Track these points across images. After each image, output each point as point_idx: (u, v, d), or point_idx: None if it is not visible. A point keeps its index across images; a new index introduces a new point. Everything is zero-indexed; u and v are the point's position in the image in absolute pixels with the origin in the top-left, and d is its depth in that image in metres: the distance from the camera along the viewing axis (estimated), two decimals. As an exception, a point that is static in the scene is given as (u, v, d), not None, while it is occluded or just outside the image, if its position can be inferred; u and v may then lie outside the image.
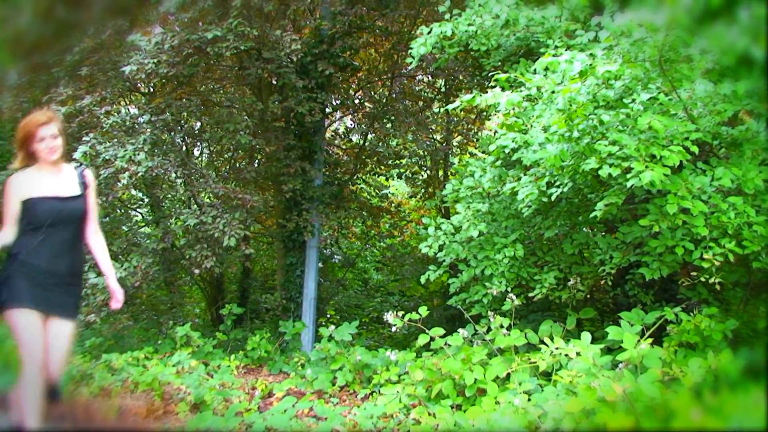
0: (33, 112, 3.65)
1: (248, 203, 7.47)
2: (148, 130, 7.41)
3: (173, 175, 8.31)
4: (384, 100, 10.43)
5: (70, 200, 3.55)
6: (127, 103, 9.94)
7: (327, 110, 9.97)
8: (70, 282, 3.52)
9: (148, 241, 8.07)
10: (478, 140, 11.21)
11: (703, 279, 4.24)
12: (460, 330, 5.12)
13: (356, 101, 10.81)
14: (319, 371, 5.84)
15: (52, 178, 3.53)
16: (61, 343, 3.41)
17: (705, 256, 4.08)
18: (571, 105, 4.16)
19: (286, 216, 8.94)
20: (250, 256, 8.92)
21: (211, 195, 8.53)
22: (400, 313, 5.27)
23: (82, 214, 3.59)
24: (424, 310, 5.26)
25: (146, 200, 11.09)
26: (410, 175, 12.20)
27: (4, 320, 3.40)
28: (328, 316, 11.93)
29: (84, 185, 3.63)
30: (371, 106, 10.66)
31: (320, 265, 10.20)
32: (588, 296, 5.78)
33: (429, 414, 4.43)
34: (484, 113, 10.19)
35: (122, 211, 9.59)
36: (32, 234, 3.42)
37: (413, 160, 11.86)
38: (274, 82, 8.87)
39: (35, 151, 3.48)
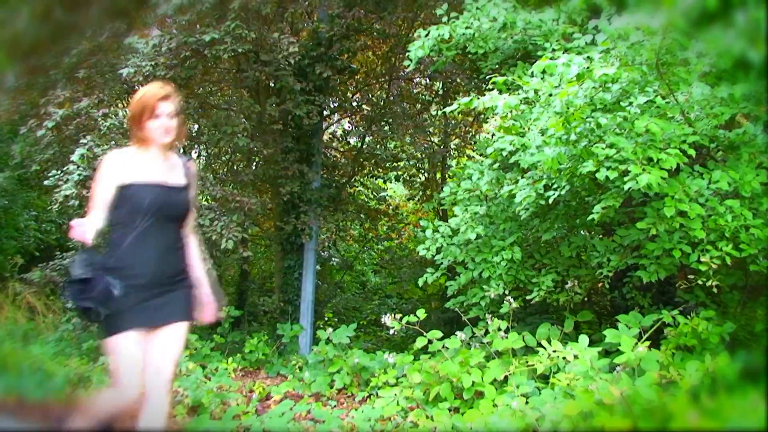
0: (152, 83, 3.12)
1: (246, 206, 7.47)
2: (146, 132, 7.40)
3: (171, 177, 8.29)
4: (382, 103, 10.44)
5: (176, 191, 3.04)
6: (125, 105, 9.92)
7: (325, 113, 9.99)
8: (178, 282, 3.04)
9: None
10: (475, 143, 11.22)
11: (700, 282, 4.25)
12: (458, 333, 5.11)
13: (354, 104, 10.82)
14: (316, 374, 5.83)
15: (157, 163, 3.01)
16: (172, 351, 2.97)
17: (702, 259, 4.08)
18: (568, 108, 4.16)
19: (284, 218, 8.94)
20: (248, 259, 8.94)
21: (208, 197, 8.53)
22: (398, 316, 5.27)
23: (187, 209, 3.10)
24: (421, 313, 5.26)
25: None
26: (408, 178, 12.20)
27: (104, 342, 2.94)
28: (326, 318, 11.93)
29: (188, 177, 3.13)
30: (369, 109, 10.68)
31: (318, 267, 10.20)
32: (585, 299, 5.79)
33: (427, 417, 4.43)
34: (482, 116, 10.21)
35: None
36: (129, 229, 2.89)
37: (411, 163, 11.87)
38: (272, 84, 8.88)
39: (146, 128, 2.97)
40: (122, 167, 2.93)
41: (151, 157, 3.00)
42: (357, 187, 12.03)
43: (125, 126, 7.64)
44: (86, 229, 2.73)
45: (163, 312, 2.94)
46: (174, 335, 2.99)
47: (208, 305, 3.21)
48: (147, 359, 2.92)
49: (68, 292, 2.84)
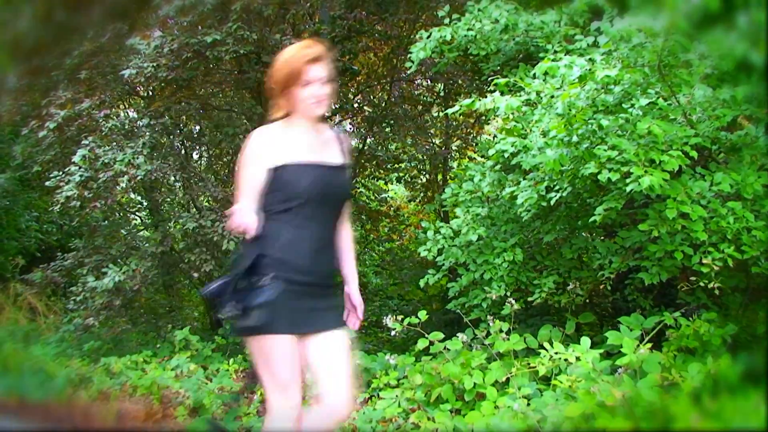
0: (299, 42, 2.62)
1: (247, 207, 7.45)
2: (147, 133, 7.41)
3: (172, 178, 8.32)
4: (383, 105, 10.43)
5: (335, 170, 2.60)
6: (126, 106, 9.95)
7: (326, 114, 9.96)
8: (329, 283, 2.65)
9: (147, 244, 8.06)
10: (477, 144, 11.23)
11: (702, 284, 4.24)
12: (460, 334, 5.10)
13: (355, 105, 10.80)
14: (317, 375, 5.82)
15: (311, 138, 2.58)
16: (341, 365, 2.56)
17: (704, 260, 4.08)
18: (570, 110, 4.16)
19: (285, 220, 8.91)
20: (249, 260, 8.91)
21: (210, 198, 8.54)
22: (399, 317, 5.26)
23: (348, 192, 2.74)
24: (423, 314, 5.25)
25: (145, 204, 11.08)
26: (409, 179, 12.20)
27: (249, 344, 2.54)
28: (327, 320, 11.89)
29: (344, 153, 2.69)
30: (370, 110, 10.67)
31: (319, 269, 10.15)
32: (587, 301, 5.78)
33: (428, 418, 4.43)
34: (484, 118, 10.20)
35: (121, 214, 9.58)
36: (285, 219, 2.46)
37: (412, 164, 11.87)
38: (274, 86, 8.86)
39: (295, 98, 2.52)
40: (272, 146, 2.50)
41: (302, 132, 2.57)
42: (358, 188, 12.02)
43: (126, 127, 7.65)
44: (250, 215, 2.34)
45: (317, 317, 2.55)
46: (337, 346, 2.59)
47: (354, 309, 2.86)
48: (315, 365, 2.56)
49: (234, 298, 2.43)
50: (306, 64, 2.47)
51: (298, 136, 2.55)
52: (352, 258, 2.84)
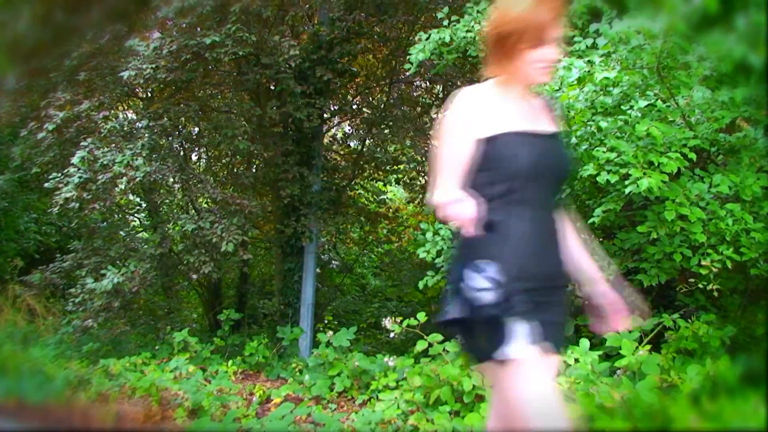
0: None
1: (246, 208, 7.47)
2: (146, 135, 7.41)
3: (171, 180, 8.32)
4: (382, 106, 10.44)
5: (555, 141, 2.04)
6: (125, 108, 9.96)
7: (325, 116, 9.99)
8: (561, 287, 2.05)
9: (145, 246, 8.07)
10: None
11: (701, 286, 4.24)
12: (459, 336, 5.09)
13: (354, 107, 10.82)
14: (317, 377, 5.82)
15: (523, 105, 2.01)
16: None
17: (703, 262, 4.08)
18: (569, 111, 4.17)
19: (284, 221, 8.93)
20: (248, 262, 8.91)
21: (209, 200, 8.55)
22: (398, 319, 5.26)
23: (570, 167, 2.16)
24: (422, 316, 5.25)
25: (144, 205, 11.10)
26: (408, 181, 12.19)
27: (495, 373, 2.00)
28: (326, 321, 11.91)
29: (557, 122, 2.11)
30: (369, 112, 10.68)
31: (318, 270, 10.19)
32: (586, 302, 5.77)
33: (427, 420, 4.42)
34: (482, 119, 10.19)
35: (120, 216, 9.59)
36: (504, 204, 1.89)
37: (411, 166, 11.85)
38: (273, 87, 8.88)
39: (521, 59, 1.92)
40: (483, 111, 1.94)
41: (516, 98, 2.01)
42: (357, 190, 12.03)
43: (125, 128, 7.65)
44: (470, 205, 1.79)
45: (549, 330, 1.92)
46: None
47: (614, 309, 2.13)
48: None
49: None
50: (550, 22, 1.90)
51: (509, 101, 2.00)
52: (582, 250, 2.17)
